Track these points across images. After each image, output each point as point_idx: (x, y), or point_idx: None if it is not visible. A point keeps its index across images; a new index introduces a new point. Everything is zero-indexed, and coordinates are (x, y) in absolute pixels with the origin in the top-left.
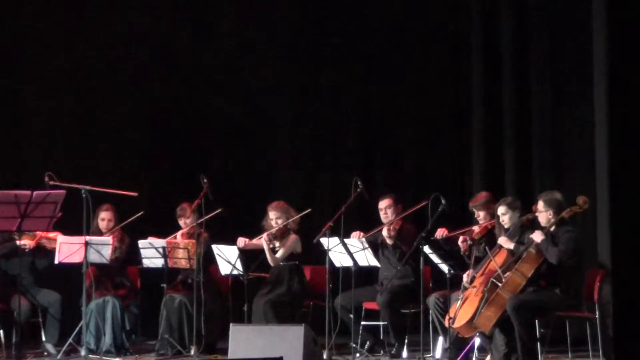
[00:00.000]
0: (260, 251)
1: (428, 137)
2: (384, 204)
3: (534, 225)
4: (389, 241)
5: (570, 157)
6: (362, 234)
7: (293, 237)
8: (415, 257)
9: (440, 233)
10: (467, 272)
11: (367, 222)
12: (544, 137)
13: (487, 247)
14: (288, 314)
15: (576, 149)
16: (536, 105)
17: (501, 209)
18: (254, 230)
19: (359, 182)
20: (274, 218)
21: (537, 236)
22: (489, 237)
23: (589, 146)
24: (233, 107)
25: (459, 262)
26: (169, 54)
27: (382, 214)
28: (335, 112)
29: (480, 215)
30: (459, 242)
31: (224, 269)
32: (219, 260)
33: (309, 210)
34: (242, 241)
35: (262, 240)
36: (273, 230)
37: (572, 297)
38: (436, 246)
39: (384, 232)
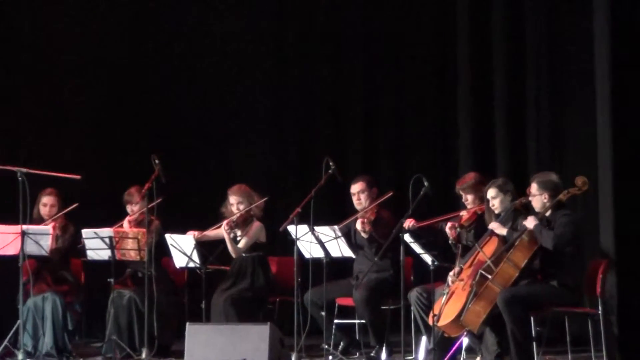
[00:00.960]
0: (220, 241)
1: (409, 112)
2: (355, 188)
3: (529, 210)
4: (364, 235)
5: (569, 133)
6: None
7: (257, 225)
8: (394, 246)
9: (408, 224)
10: (454, 270)
11: (340, 208)
12: (539, 112)
13: (475, 236)
14: (251, 312)
15: (576, 124)
16: (531, 77)
17: (491, 192)
18: (213, 217)
19: (330, 163)
20: (235, 203)
21: (530, 222)
22: (479, 224)
23: (590, 122)
24: (189, 82)
25: (443, 252)
26: (120, 30)
27: (354, 200)
28: (303, 85)
29: (469, 199)
30: (447, 229)
31: (179, 261)
32: (173, 251)
33: (266, 198)
34: (192, 234)
35: (221, 230)
36: (234, 217)
37: (571, 291)
38: (418, 234)
39: (358, 226)
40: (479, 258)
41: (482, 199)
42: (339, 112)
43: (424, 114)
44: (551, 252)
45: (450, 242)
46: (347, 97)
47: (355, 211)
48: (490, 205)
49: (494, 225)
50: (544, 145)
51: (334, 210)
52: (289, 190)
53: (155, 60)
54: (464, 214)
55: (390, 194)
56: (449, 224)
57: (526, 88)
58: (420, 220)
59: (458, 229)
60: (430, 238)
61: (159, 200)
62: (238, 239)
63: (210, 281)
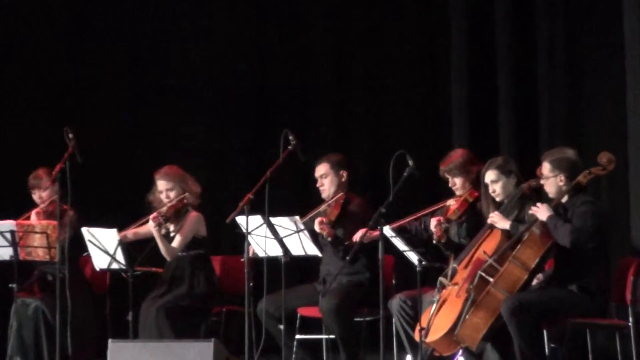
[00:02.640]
0: (151, 238)
1: (389, 72)
2: (318, 170)
3: (540, 196)
4: (325, 237)
5: (591, 98)
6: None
7: (193, 216)
8: (371, 243)
9: (357, 236)
10: (446, 272)
11: (304, 193)
12: (553, 71)
13: (467, 231)
14: (191, 325)
15: (599, 87)
16: (542, 26)
17: (490, 175)
18: (144, 206)
19: (290, 137)
20: (164, 190)
21: (542, 211)
22: (472, 215)
23: (616, 83)
24: (112, 41)
25: (433, 249)
26: None
27: (318, 185)
28: (257, 40)
29: (457, 183)
30: (432, 227)
31: (100, 261)
32: (91, 249)
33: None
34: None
35: (148, 226)
36: (162, 210)
37: (594, 297)
38: (402, 228)
39: (316, 227)
40: (477, 257)
41: (473, 182)
42: (302, 74)
43: (408, 74)
44: (569, 249)
45: (434, 241)
46: (311, 53)
47: (320, 199)
48: (490, 191)
49: (495, 217)
50: (558, 113)
51: (295, 196)
52: (237, 172)
53: (71, 17)
54: (451, 203)
55: (340, 194)
56: (433, 221)
57: (537, 41)
58: (403, 215)
59: (444, 225)
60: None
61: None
62: (172, 235)
63: (138, 287)
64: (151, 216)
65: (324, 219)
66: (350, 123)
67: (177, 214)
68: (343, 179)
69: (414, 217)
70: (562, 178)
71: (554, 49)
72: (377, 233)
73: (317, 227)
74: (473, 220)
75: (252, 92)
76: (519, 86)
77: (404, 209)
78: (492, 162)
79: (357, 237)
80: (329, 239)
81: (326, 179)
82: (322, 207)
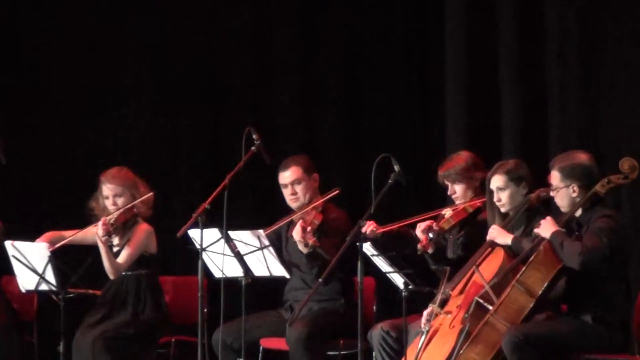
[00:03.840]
0: (90, 249)
1: (370, 60)
2: (287, 176)
3: (550, 208)
4: (302, 249)
5: (608, 95)
6: None
7: (143, 229)
8: (348, 263)
9: (366, 229)
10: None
11: (269, 202)
12: (565, 64)
13: (463, 246)
14: (134, 357)
15: (617, 83)
16: (553, 16)
17: (497, 181)
18: (79, 214)
19: (254, 136)
20: (111, 196)
21: (545, 228)
22: (471, 228)
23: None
24: (40, 17)
25: (422, 271)
26: None
27: (287, 195)
28: (216, 22)
29: (457, 190)
30: (418, 232)
31: (26, 281)
32: (16, 266)
33: (151, 194)
34: (46, 243)
35: (90, 234)
36: (112, 217)
37: (613, 329)
38: (384, 244)
39: (295, 236)
40: (474, 280)
41: (477, 191)
42: (266, 63)
43: (395, 64)
44: (582, 272)
45: (419, 251)
46: (277, 39)
47: (288, 209)
48: (495, 199)
49: (494, 231)
50: (571, 112)
51: (258, 206)
52: (191, 177)
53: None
54: (447, 212)
55: (337, 191)
56: (421, 225)
57: (546, 28)
58: (386, 224)
59: (431, 235)
60: (404, 249)
61: None
62: (115, 249)
63: (72, 312)
64: (101, 222)
65: (308, 225)
66: (323, 120)
67: (124, 224)
68: (317, 183)
69: (406, 222)
70: (575, 188)
71: (565, 38)
72: (380, 230)
73: (297, 235)
74: (472, 234)
75: (210, 86)
76: (524, 80)
77: (387, 222)
78: (501, 166)
79: (364, 230)
80: (309, 250)
81: (299, 185)
82: (296, 216)
